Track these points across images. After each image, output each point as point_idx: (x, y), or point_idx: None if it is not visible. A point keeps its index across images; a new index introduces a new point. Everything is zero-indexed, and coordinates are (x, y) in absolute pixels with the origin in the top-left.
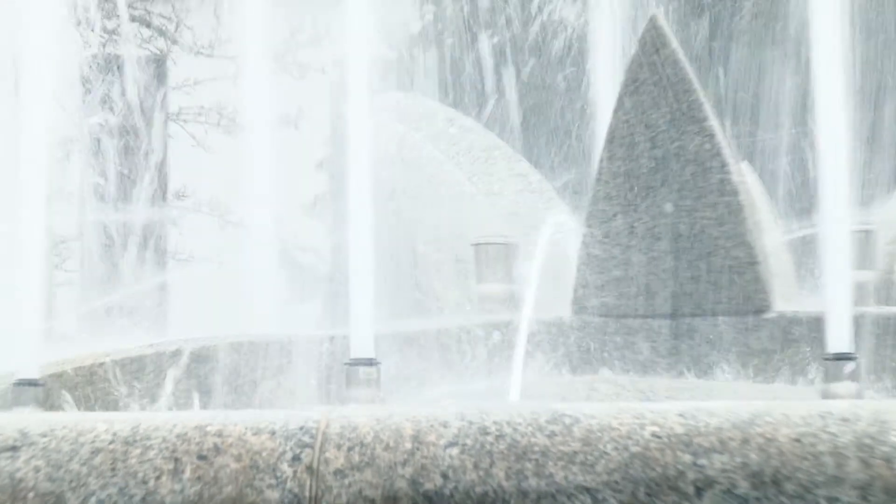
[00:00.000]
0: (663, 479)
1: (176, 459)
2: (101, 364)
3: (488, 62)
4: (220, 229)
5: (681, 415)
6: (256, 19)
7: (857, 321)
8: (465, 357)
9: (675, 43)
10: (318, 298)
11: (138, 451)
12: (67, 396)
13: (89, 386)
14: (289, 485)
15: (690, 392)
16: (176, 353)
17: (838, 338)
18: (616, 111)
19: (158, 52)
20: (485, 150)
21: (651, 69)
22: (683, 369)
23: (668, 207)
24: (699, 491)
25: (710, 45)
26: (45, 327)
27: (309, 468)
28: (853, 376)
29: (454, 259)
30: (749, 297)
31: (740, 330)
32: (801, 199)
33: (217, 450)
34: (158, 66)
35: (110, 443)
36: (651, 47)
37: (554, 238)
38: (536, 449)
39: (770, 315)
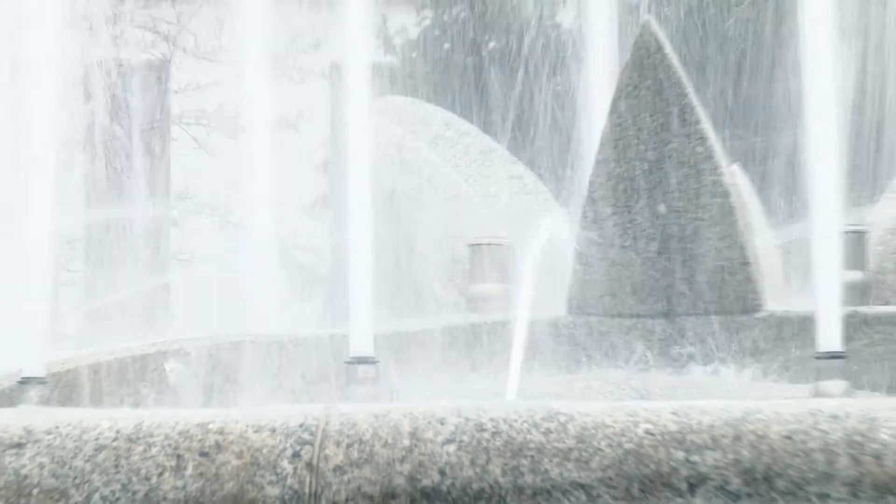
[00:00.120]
0: (657, 476)
1: (178, 456)
2: (106, 362)
3: (485, 66)
4: (222, 230)
5: (674, 412)
6: (257, 24)
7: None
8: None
9: (668, 47)
10: (318, 298)
11: (141, 448)
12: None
13: (93, 384)
14: (289, 481)
15: (683, 390)
16: (178, 352)
17: (828, 337)
18: (610, 114)
19: (162, 57)
20: (481, 153)
21: (644, 73)
22: (677, 367)
23: (662, 209)
24: (692, 487)
25: (702, 49)
26: (49, 326)
27: (309, 465)
28: (843, 374)
29: (452, 259)
30: (741, 297)
31: (732, 329)
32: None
33: (218, 447)
34: (161, 71)
35: (114, 440)
36: (644, 52)
37: (546, 246)
38: (532, 446)
39: (761, 314)
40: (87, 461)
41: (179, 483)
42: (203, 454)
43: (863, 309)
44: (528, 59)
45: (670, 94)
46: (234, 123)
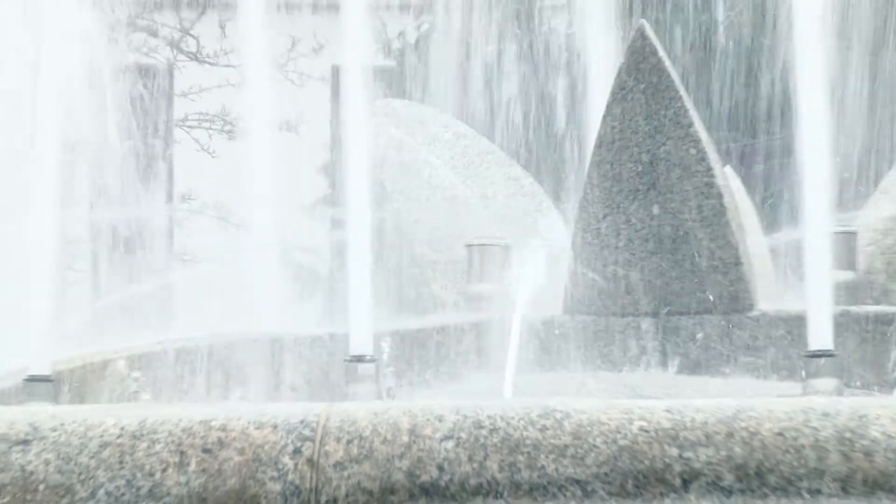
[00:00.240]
0: (651, 472)
1: (181, 452)
2: (110, 361)
3: (483, 70)
4: (224, 230)
5: (667, 410)
6: (259, 30)
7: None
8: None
9: (661, 51)
10: (318, 297)
11: (145, 444)
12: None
13: (99, 382)
14: (290, 477)
15: (676, 388)
16: (181, 351)
17: (819, 335)
18: (605, 117)
19: (165, 61)
20: (479, 155)
21: (638, 77)
22: (670, 365)
23: (655, 210)
24: (685, 483)
25: (695, 53)
26: (54, 325)
27: (309, 461)
28: (834, 372)
29: (450, 260)
30: (733, 297)
31: (724, 328)
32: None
33: (221, 443)
34: (165, 75)
35: (118, 436)
36: (638, 56)
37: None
38: (529, 442)
39: (753, 313)
40: (92, 457)
41: (183, 479)
42: (206, 450)
43: (853, 308)
44: (524, 62)
45: (664, 98)
46: (236, 126)
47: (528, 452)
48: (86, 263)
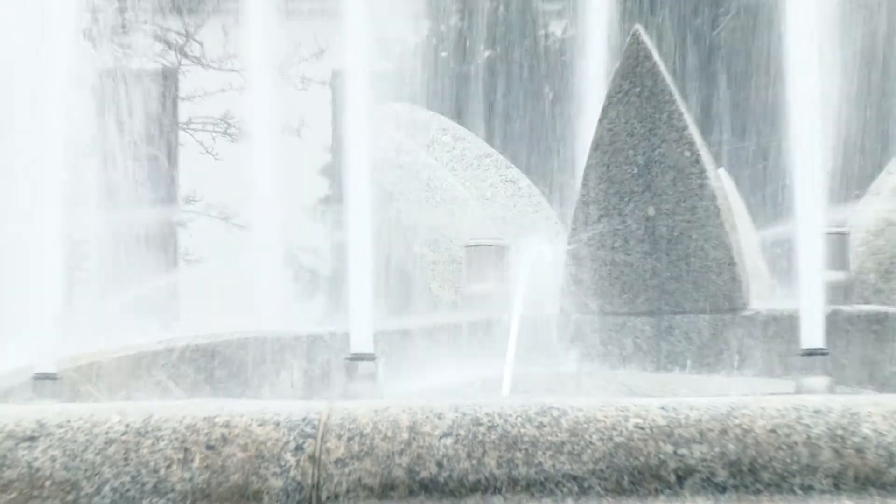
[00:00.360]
0: (646, 468)
1: (185, 449)
2: (115, 359)
3: (481, 74)
4: (227, 231)
5: (662, 407)
6: (261, 35)
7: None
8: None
9: (656, 56)
10: (320, 297)
11: (150, 441)
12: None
13: (103, 380)
14: (292, 473)
15: (671, 385)
16: (185, 349)
17: (812, 334)
18: (601, 120)
19: (170, 65)
20: (477, 158)
21: (634, 81)
22: (665, 364)
23: (650, 211)
24: (680, 479)
25: (690, 57)
26: (61, 324)
27: (311, 457)
28: (826, 370)
29: (449, 260)
30: (727, 296)
31: (718, 327)
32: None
33: (224, 440)
34: (170, 79)
35: (123, 433)
36: (634, 60)
37: (540, 249)
38: (526, 439)
39: (747, 313)
40: (98, 454)
41: (187, 475)
42: (209, 447)
43: (845, 307)
44: (522, 66)
45: (658, 101)
46: (239, 129)
47: (526, 449)
48: (91, 263)
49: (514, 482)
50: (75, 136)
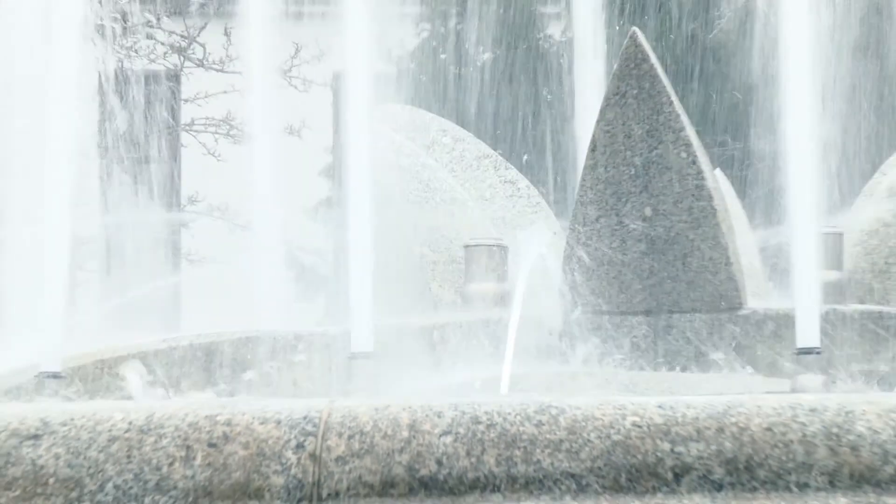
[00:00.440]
0: (643, 466)
1: (188, 447)
2: (119, 357)
3: (480, 76)
4: (229, 232)
5: (660, 406)
6: (263, 37)
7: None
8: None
9: (653, 58)
10: (321, 296)
11: (152, 438)
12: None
13: (108, 378)
14: (293, 471)
15: (668, 384)
16: (188, 348)
17: (807, 333)
18: (598, 122)
19: (172, 68)
20: (476, 159)
21: (631, 83)
22: (662, 363)
23: (648, 211)
24: (677, 477)
25: (686, 59)
26: (66, 323)
27: (312, 455)
28: (821, 369)
29: (449, 260)
30: (723, 295)
31: (715, 326)
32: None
33: (226, 438)
34: (172, 80)
35: (126, 431)
36: (631, 62)
37: (540, 250)
38: (525, 437)
39: (743, 312)
40: (101, 452)
41: (189, 472)
42: (211, 445)
43: (840, 307)
44: (520, 68)
45: (656, 103)
46: (241, 130)
47: (525, 447)
48: (96, 263)
49: (512, 480)
50: (79, 138)
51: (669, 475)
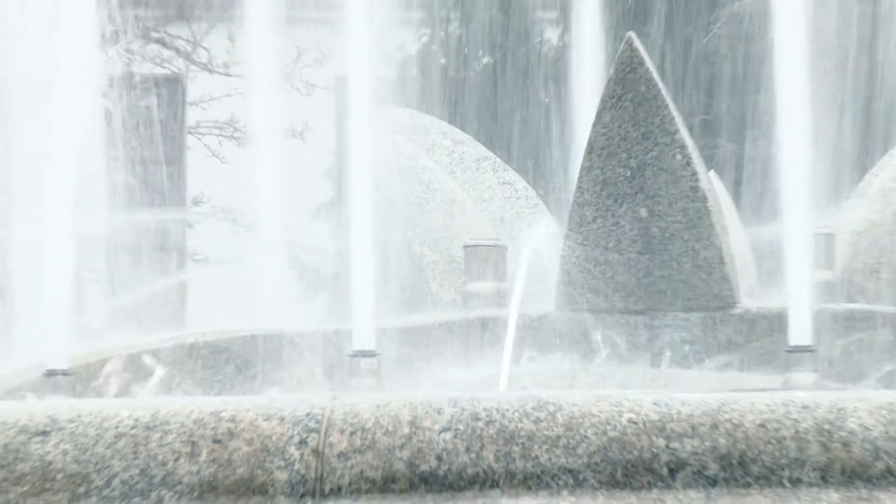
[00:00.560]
0: (639, 462)
1: (193, 443)
2: (125, 356)
3: (479, 79)
4: (234, 233)
5: (655, 402)
6: (266, 42)
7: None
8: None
9: (649, 62)
10: (323, 296)
11: (158, 435)
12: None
13: (114, 376)
14: (296, 466)
15: (663, 381)
16: (193, 346)
17: (799, 331)
18: (595, 125)
19: (177, 71)
20: (475, 161)
21: (627, 86)
22: (657, 360)
23: (643, 212)
24: (672, 472)
25: (681, 63)
26: (72, 322)
27: (315, 451)
28: (813, 367)
29: (448, 260)
30: (717, 294)
31: (709, 324)
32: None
33: (231, 434)
34: (177, 84)
35: (132, 427)
36: (627, 66)
37: (537, 248)
38: (523, 433)
39: (737, 310)
40: (108, 448)
41: (194, 468)
42: (216, 441)
43: (831, 306)
44: (519, 72)
45: (651, 106)
46: (245, 133)
47: (523, 443)
48: (102, 263)
49: (511, 475)
50: (84, 139)
51: (665, 471)
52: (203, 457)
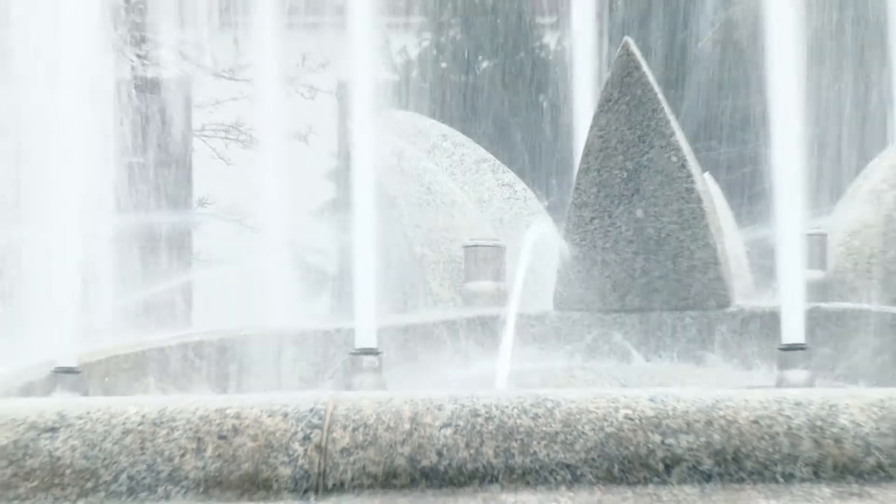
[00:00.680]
0: (635, 457)
1: (199, 439)
2: (132, 354)
3: (479, 83)
4: (239, 233)
5: (651, 399)
6: (271, 46)
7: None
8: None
9: (644, 66)
10: (326, 295)
11: (165, 431)
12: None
13: (121, 373)
14: (300, 462)
15: (659, 378)
16: (199, 344)
17: (792, 330)
18: (592, 127)
19: (184, 75)
20: (475, 163)
21: (623, 90)
22: (653, 358)
23: (639, 213)
24: (668, 467)
25: (676, 67)
26: (81, 321)
27: (318, 447)
28: (806, 364)
29: (448, 260)
30: (711, 294)
31: (704, 323)
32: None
33: (235, 430)
34: (184, 87)
35: (139, 424)
36: (623, 70)
37: (537, 244)
38: (522, 430)
39: (730, 309)
40: (116, 444)
41: (200, 464)
42: (221, 437)
43: (823, 305)
44: (518, 76)
45: (647, 109)
46: (250, 135)
47: (522, 439)
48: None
49: (510, 470)
50: (92, 141)
51: (660, 466)
52: (209, 453)
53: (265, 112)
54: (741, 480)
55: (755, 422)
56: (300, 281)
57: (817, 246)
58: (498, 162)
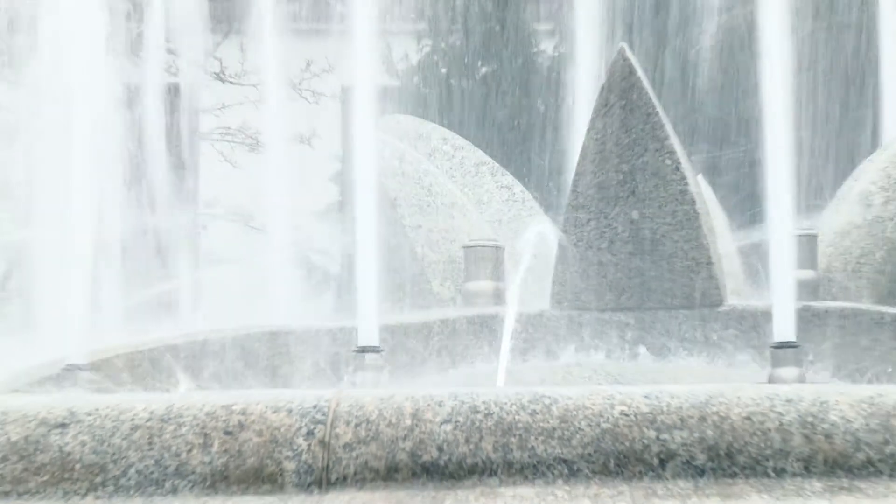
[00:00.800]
0: (631, 452)
1: (205, 435)
2: (140, 352)
3: (478, 88)
4: (244, 234)
5: (646, 396)
6: (276, 52)
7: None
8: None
9: (640, 71)
10: (330, 294)
11: (172, 427)
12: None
13: (130, 370)
14: (304, 457)
15: (654, 375)
16: (205, 342)
17: (783, 328)
18: (589, 131)
19: (191, 80)
20: (475, 165)
21: (619, 94)
22: (648, 355)
23: (634, 215)
24: (662, 462)
25: (671, 73)
26: (90, 320)
27: (321, 442)
28: (796, 362)
29: (448, 260)
30: (705, 293)
31: (697, 321)
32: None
33: (241, 426)
34: (191, 92)
35: (147, 420)
36: (619, 75)
37: (536, 245)
38: (520, 425)
39: (723, 308)
40: (124, 439)
41: (206, 459)
42: (227, 433)
43: (814, 304)
44: (516, 81)
45: (642, 113)
46: (256, 139)
47: (520, 435)
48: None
49: (508, 465)
50: (103, 146)
51: (655, 461)
52: (215, 448)
53: (270, 116)
54: (734, 475)
55: (747, 418)
56: (304, 280)
57: (808, 246)
58: (497, 165)
